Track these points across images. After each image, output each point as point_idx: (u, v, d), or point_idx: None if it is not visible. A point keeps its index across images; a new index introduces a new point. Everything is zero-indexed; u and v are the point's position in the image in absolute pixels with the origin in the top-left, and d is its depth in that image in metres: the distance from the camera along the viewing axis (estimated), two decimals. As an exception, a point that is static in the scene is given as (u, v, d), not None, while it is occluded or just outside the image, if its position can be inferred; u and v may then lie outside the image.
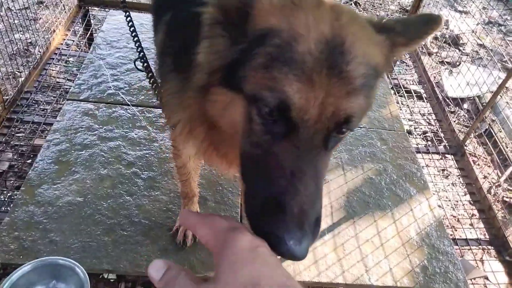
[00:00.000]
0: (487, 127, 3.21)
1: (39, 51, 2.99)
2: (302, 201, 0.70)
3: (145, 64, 1.53)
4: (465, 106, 3.75)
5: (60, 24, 3.07)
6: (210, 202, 2.04)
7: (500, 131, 3.38)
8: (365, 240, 2.01)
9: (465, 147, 2.71)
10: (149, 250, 1.83)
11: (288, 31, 0.73)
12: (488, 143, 2.86)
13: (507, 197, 2.96)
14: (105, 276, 1.97)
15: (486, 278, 2.26)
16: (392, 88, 3.26)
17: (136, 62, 1.61)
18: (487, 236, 2.39)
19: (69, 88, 2.59)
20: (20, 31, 3.34)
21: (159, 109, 2.42)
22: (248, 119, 0.78)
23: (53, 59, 2.92)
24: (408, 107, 3.38)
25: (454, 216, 2.56)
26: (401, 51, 0.90)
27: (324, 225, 2.04)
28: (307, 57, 0.70)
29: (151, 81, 1.50)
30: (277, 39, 0.74)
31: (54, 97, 2.76)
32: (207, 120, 0.95)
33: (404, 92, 3.33)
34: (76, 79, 2.58)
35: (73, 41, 3.33)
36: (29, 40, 3.38)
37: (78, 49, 3.24)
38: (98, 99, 2.45)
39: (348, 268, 1.89)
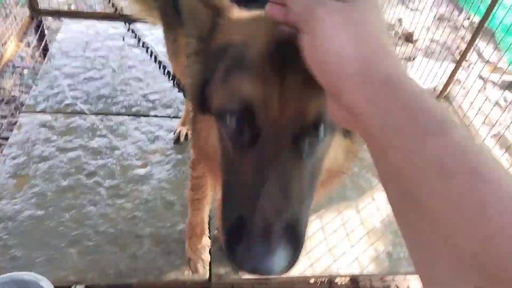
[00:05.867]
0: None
1: (-10, 64, 2.88)
2: (266, 213, 0.63)
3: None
4: (421, 98, 3.90)
5: (11, 35, 2.97)
6: (177, 205, 2.03)
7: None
8: (332, 232, 2.06)
9: (422, 136, 2.82)
10: (117, 258, 1.81)
11: (241, 39, 0.72)
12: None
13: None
14: (73, 290, 1.92)
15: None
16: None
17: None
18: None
19: (25, 101, 2.51)
20: (-31, 45, 3.21)
21: (118, 116, 2.39)
22: (220, 139, 0.75)
23: (6, 72, 2.82)
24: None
25: (416, 203, 2.66)
26: None
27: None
28: (259, 57, 0.68)
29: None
30: (233, 49, 0.72)
31: (9, 110, 2.67)
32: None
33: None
34: (32, 91, 2.51)
35: (27, 52, 3.23)
36: (-20, 54, 3.25)
37: (32, 61, 3.14)
38: (55, 110, 2.38)
39: (316, 260, 1.93)
